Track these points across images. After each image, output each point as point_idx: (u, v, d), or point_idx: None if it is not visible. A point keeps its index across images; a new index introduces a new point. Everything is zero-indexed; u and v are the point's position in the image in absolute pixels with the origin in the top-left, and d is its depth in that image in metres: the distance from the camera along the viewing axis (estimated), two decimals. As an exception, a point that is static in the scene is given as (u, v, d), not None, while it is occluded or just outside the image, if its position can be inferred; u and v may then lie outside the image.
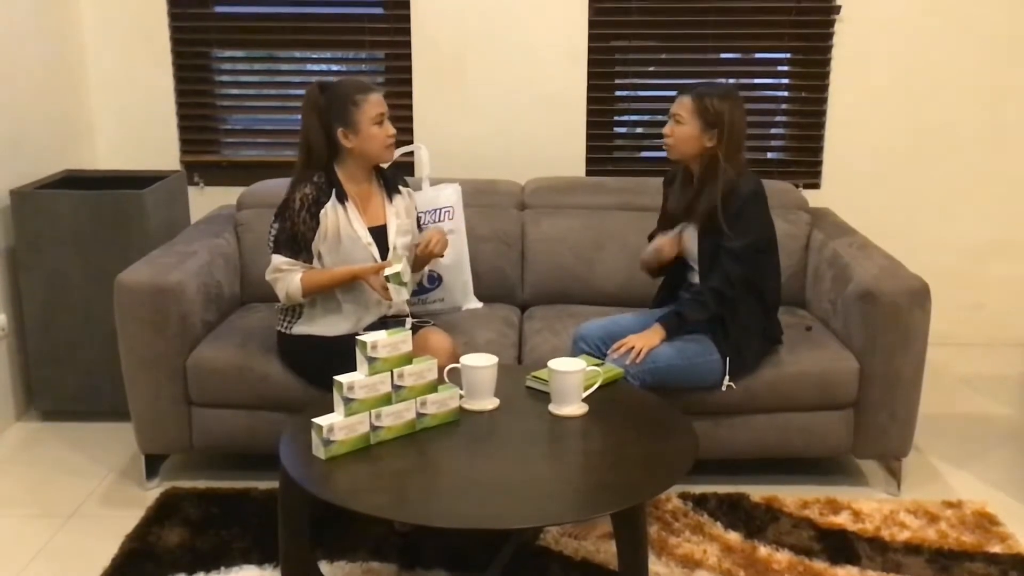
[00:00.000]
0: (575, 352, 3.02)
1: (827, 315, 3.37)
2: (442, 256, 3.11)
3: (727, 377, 2.97)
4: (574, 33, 4.16)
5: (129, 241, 3.50)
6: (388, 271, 2.81)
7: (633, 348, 2.88)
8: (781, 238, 3.46)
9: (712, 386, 2.99)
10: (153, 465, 3.22)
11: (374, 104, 2.92)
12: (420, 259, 3.10)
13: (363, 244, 2.96)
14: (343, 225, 2.94)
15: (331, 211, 2.93)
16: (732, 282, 2.91)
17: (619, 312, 3.27)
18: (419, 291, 3.41)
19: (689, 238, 3.04)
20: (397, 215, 3.06)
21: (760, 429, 3.10)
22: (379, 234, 3.00)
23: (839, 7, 4.13)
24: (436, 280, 3.45)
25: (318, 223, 2.92)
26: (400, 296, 2.85)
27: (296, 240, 2.92)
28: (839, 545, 2.84)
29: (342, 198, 2.95)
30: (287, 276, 2.92)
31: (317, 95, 2.95)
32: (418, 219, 3.25)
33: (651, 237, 3.25)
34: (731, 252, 2.89)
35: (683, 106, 2.93)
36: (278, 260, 2.94)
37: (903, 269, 3.17)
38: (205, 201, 4.17)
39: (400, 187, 3.12)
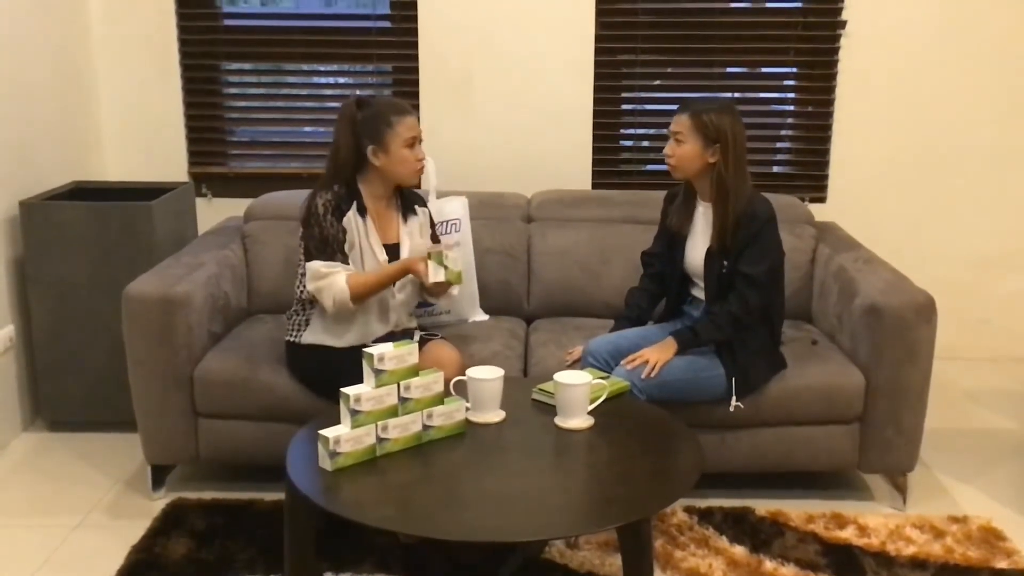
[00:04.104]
0: (583, 367, 3.02)
1: (833, 329, 3.37)
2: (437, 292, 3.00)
3: (734, 398, 2.97)
4: (581, 46, 4.17)
5: (137, 252, 3.52)
6: (432, 249, 2.81)
7: (647, 361, 2.89)
8: (787, 253, 3.48)
9: (717, 400, 2.99)
10: (159, 475, 3.22)
11: (408, 127, 2.91)
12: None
13: (379, 260, 2.96)
14: (360, 238, 2.94)
15: (352, 219, 2.93)
16: (750, 309, 2.91)
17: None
18: (426, 304, 3.41)
19: (693, 253, 3.05)
20: (411, 235, 3.06)
21: (766, 443, 3.10)
22: (391, 252, 3.00)
23: (845, 22, 4.14)
24: (442, 292, 3.45)
25: (344, 228, 2.90)
26: (436, 276, 2.79)
27: (328, 243, 2.88)
28: (844, 560, 2.84)
29: (362, 211, 2.95)
30: (331, 280, 2.86)
31: (354, 110, 2.94)
32: (433, 229, 3.24)
33: (644, 258, 3.26)
34: (749, 278, 2.89)
35: (681, 124, 2.92)
36: (316, 265, 2.87)
37: (909, 283, 3.17)
38: (213, 212, 4.19)
39: (416, 207, 3.12)
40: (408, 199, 3.10)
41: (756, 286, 2.90)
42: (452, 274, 2.83)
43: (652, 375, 2.87)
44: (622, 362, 2.94)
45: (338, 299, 2.86)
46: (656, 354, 2.91)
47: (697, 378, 2.95)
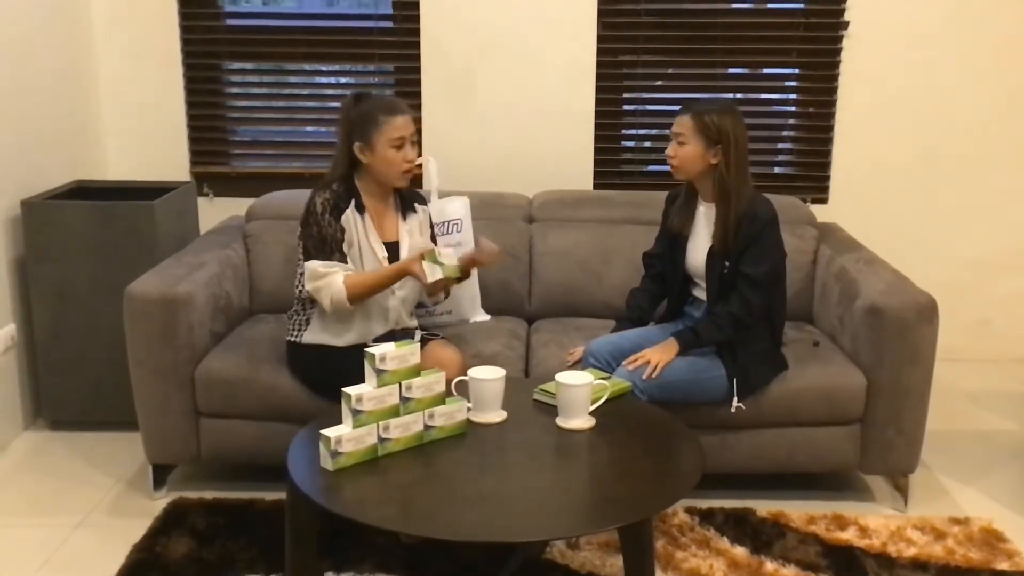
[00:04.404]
0: (584, 368, 3.01)
1: (834, 330, 3.37)
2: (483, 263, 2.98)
3: (735, 399, 2.97)
4: (583, 47, 4.17)
5: (139, 252, 3.52)
6: (425, 251, 2.80)
7: (649, 362, 2.89)
8: (789, 253, 3.47)
9: (718, 401, 2.99)
10: (160, 475, 3.22)
11: (397, 127, 2.88)
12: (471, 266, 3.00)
13: (378, 258, 2.96)
14: (360, 236, 2.94)
15: (351, 217, 2.93)
16: (752, 309, 2.91)
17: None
18: (424, 304, 3.41)
19: (694, 253, 3.05)
20: (410, 233, 3.07)
21: (767, 444, 3.10)
22: (391, 250, 3.01)
23: (847, 23, 4.14)
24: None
25: (343, 227, 2.90)
26: (433, 274, 2.78)
27: (326, 243, 2.88)
28: (846, 561, 2.84)
29: (360, 209, 2.95)
30: (328, 280, 2.86)
31: (351, 106, 2.93)
32: (432, 228, 3.24)
33: (645, 259, 3.26)
34: (750, 279, 2.89)
35: (683, 125, 2.92)
36: (314, 265, 2.88)
37: (910, 284, 3.17)
38: (214, 212, 4.19)
39: (416, 205, 3.12)
40: (407, 197, 3.10)
41: (757, 286, 2.90)
42: (449, 269, 2.82)
43: (654, 376, 2.87)
44: (624, 363, 2.94)
45: (335, 299, 2.86)
46: (658, 355, 2.91)
47: (698, 379, 2.95)
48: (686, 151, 2.92)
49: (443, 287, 2.94)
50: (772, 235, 2.94)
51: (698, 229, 3.05)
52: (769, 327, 3.04)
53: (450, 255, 2.83)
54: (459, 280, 2.92)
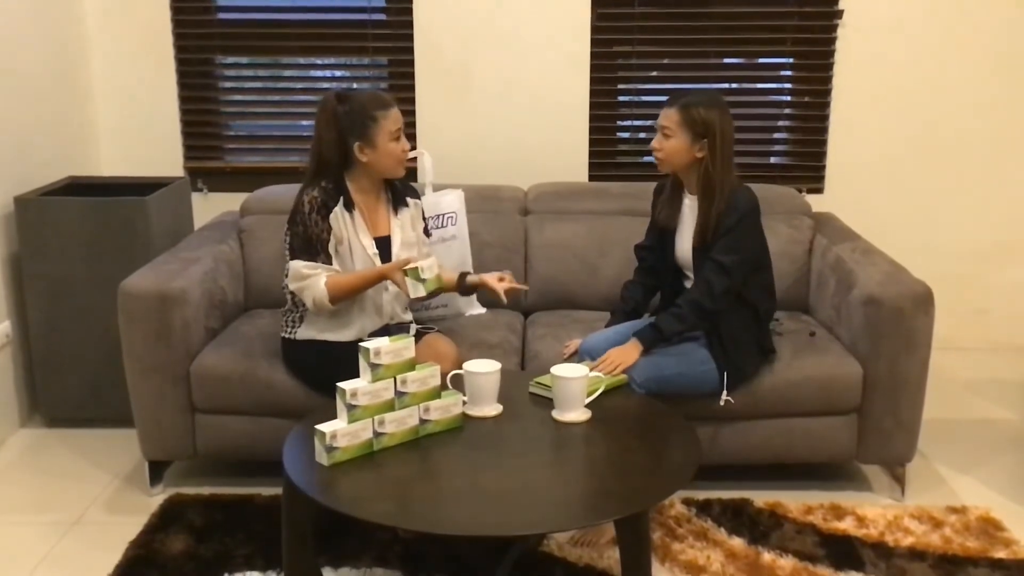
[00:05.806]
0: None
1: (831, 320, 3.36)
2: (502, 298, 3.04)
3: (725, 392, 2.96)
4: (577, 38, 4.16)
5: (133, 247, 3.51)
6: (408, 266, 2.78)
7: (616, 366, 2.85)
8: (785, 244, 3.48)
9: (714, 393, 2.98)
10: (157, 471, 3.22)
11: (393, 119, 2.90)
12: (477, 287, 3.09)
13: (369, 254, 2.96)
14: (349, 233, 2.94)
15: (340, 215, 2.92)
16: (714, 295, 2.87)
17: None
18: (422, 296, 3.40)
19: (682, 245, 3.04)
20: (402, 227, 3.06)
21: (764, 435, 3.10)
22: (382, 245, 3.00)
23: (841, 12, 4.13)
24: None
25: (330, 226, 2.90)
26: (416, 292, 2.78)
27: (312, 243, 2.89)
28: (843, 551, 2.84)
29: (349, 206, 2.94)
30: (311, 281, 2.87)
31: (335, 105, 2.92)
32: (425, 222, 3.23)
33: (637, 251, 3.24)
34: (717, 264, 2.86)
35: (669, 118, 2.89)
36: (297, 265, 2.89)
37: (907, 274, 3.17)
38: (209, 207, 4.18)
39: (408, 199, 3.11)
40: (400, 191, 3.09)
41: (724, 273, 2.86)
42: (431, 284, 2.80)
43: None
44: (591, 365, 2.89)
45: (317, 300, 2.87)
46: (620, 356, 2.87)
47: (695, 372, 2.93)
48: (671, 144, 2.90)
49: (427, 297, 2.95)
50: (749, 226, 2.90)
51: (684, 222, 3.03)
52: (752, 315, 3.01)
53: (432, 268, 2.81)
54: (463, 293, 3.11)
